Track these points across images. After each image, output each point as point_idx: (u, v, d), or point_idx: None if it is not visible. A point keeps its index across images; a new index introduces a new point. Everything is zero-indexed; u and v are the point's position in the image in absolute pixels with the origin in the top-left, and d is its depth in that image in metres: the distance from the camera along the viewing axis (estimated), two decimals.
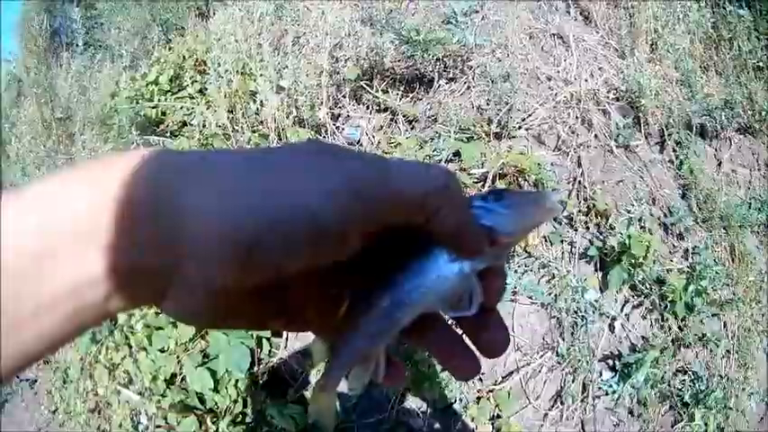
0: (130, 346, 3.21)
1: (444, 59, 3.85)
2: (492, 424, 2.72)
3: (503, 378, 2.85)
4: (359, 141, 3.68)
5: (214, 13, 8.02)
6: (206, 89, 4.33)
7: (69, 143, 5.52)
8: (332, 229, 0.38)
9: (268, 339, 3.03)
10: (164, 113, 4.57)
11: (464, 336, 0.50)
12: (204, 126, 4.02)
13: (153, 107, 4.56)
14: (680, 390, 2.82)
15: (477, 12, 4.18)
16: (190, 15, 9.52)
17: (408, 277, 0.46)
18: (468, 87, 3.77)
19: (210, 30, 6.27)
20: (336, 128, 3.78)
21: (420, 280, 0.45)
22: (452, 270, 0.45)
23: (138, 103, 4.58)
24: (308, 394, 2.89)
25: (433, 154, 3.34)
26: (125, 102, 4.64)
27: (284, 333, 2.99)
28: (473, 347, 0.50)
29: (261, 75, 3.81)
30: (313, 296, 0.48)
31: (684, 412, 2.79)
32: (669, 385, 2.83)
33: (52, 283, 0.36)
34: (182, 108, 4.49)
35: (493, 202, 0.46)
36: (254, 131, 3.74)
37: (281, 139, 3.59)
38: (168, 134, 4.43)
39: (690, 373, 2.87)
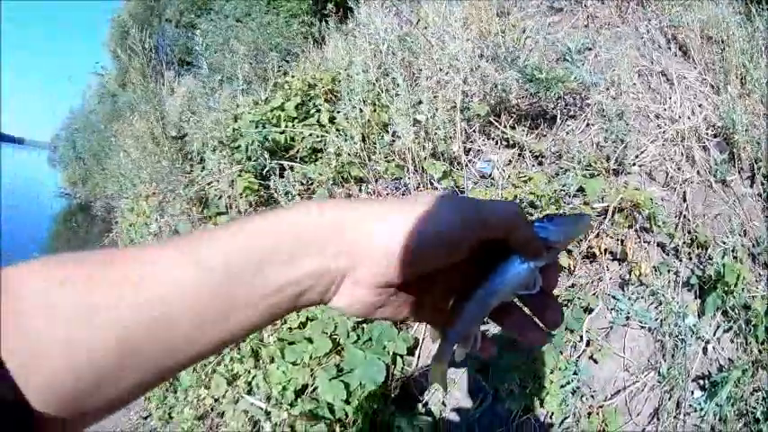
0: (257, 359, 3.43)
1: (565, 97, 4.00)
2: None
3: (611, 395, 3.02)
4: (490, 175, 3.80)
5: (328, 41, 8.18)
6: (335, 118, 4.49)
7: (184, 160, 5.69)
8: (453, 243, 0.59)
9: (402, 356, 3.17)
10: (292, 139, 4.70)
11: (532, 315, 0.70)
12: (338, 154, 4.12)
13: (281, 132, 4.67)
14: (754, 408, 2.91)
15: (589, 49, 4.33)
16: (307, 43, 9.70)
17: (495, 274, 0.65)
18: (588, 125, 3.92)
19: (328, 57, 6.36)
20: (469, 161, 3.88)
21: (503, 276, 0.65)
22: (523, 268, 0.65)
23: (264, 127, 4.68)
24: (435, 408, 3.08)
25: (560, 189, 3.46)
26: (250, 125, 4.74)
27: (416, 353, 3.26)
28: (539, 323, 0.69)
29: (395, 107, 3.92)
30: (432, 295, 0.67)
31: (755, 428, 2.88)
32: (746, 403, 2.94)
33: (265, 282, 0.52)
34: (311, 135, 4.59)
35: (547, 222, 0.67)
36: (388, 161, 3.88)
37: (417, 171, 3.74)
38: (298, 159, 4.55)
39: (763, 391, 2.96)
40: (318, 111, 4.86)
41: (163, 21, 18.22)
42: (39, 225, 20.03)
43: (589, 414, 2.95)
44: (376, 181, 3.98)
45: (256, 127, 4.72)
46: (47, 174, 37.55)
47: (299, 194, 4.16)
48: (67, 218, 21.09)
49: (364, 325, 3.22)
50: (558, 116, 3.97)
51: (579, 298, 3.21)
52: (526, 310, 0.70)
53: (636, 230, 3.30)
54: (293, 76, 5.55)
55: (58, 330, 0.43)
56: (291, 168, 4.40)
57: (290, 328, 3.37)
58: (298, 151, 4.68)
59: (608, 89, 3.97)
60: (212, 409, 3.76)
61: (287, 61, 8.35)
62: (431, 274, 0.61)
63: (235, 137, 4.81)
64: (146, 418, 4.61)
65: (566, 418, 2.95)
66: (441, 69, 4.18)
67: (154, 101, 6.32)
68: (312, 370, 3.15)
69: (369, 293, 0.59)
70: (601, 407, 2.97)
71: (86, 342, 0.44)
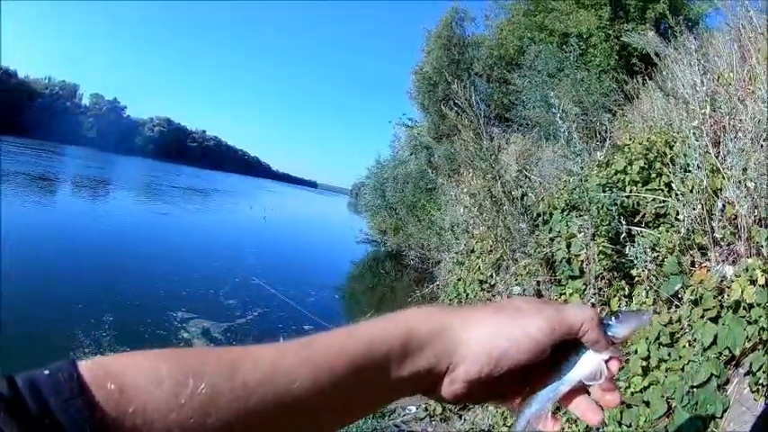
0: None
1: None
2: None
3: None
4: None
5: (641, 97, 8.06)
6: (672, 182, 4.47)
7: (529, 220, 5.78)
8: (541, 345, 0.72)
9: (714, 418, 3.27)
10: (638, 204, 4.82)
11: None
12: (678, 220, 4.24)
13: (627, 197, 4.82)
14: None
15: None
16: (620, 99, 9.79)
17: (569, 366, 0.78)
18: None
19: (646, 115, 6.43)
20: None
21: (576, 368, 0.78)
22: (593, 361, 0.77)
23: (611, 190, 4.84)
24: None
25: None
26: (597, 189, 4.93)
27: (724, 416, 3.29)
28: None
29: (729, 173, 3.96)
30: (515, 382, 0.78)
31: None
32: None
33: (385, 377, 0.66)
34: (653, 200, 4.71)
35: (614, 320, 0.80)
36: (723, 228, 3.91)
37: (749, 239, 3.75)
38: (644, 225, 4.69)
39: None
40: (660, 175, 4.98)
41: (472, 74, 18.14)
42: (341, 268, 20.79)
43: None
44: (714, 247, 3.97)
45: (603, 191, 4.93)
46: (349, 219, 38.85)
47: (650, 261, 4.19)
48: (373, 264, 21.60)
49: (695, 389, 3.35)
50: None
51: None
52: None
53: None
54: (631, 139, 5.58)
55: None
56: (641, 234, 4.62)
57: (633, 393, 3.64)
58: (644, 216, 4.81)
59: None
60: None
61: (608, 120, 8.34)
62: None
63: (584, 199, 4.94)
64: None
65: None
66: (749, 131, 4.10)
67: (489, 158, 6.30)
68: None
69: (462, 387, 0.71)
70: None
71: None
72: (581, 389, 0.80)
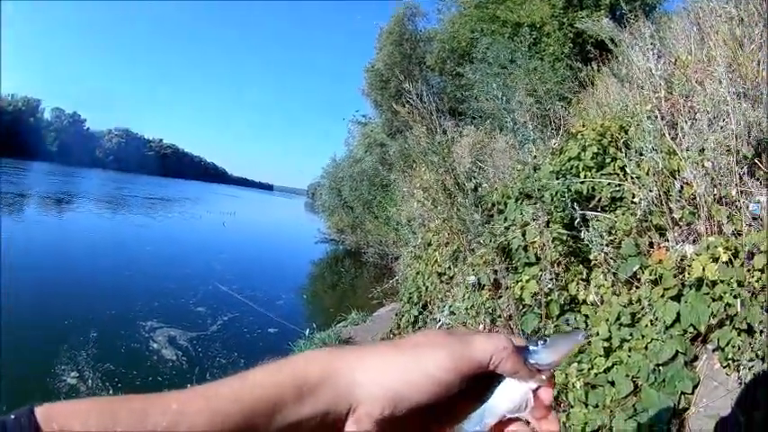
0: (558, 403, 3.72)
1: None
2: None
3: None
4: (759, 216, 3.73)
5: (596, 84, 8.04)
6: (626, 166, 4.50)
7: (483, 211, 5.75)
8: (444, 383, 0.70)
9: (685, 395, 3.36)
10: (592, 189, 4.79)
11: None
12: (634, 203, 4.26)
13: (581, 182, 4.80)
14: None
15: None
16: (575, 87, 9.87)
17: (490, 395, 0.75)
18: None
19: (602, 102, 6.40)
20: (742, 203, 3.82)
21: (497, 396, 0.75)
22: (514, 390, 0.74)
23: (564, 177, 4.85)
24: None
25: None
26: (550, 176, 4.94)
27: (696, 392, 3.38)
28: None
29: (685, 154, 4.01)
30: (440, 413, 0.76)
31: None
32: None
33: (282, 421, 0.65)
34: (609, 185, 4.70)
35: (540, 345, 0.76)
36: (681, 208, 3.94)
37: (709, 218, 3.81)
38: (599, 209, 4.68)
39: None
40: (614, 160, 4.98)
41: (424, 69, 18.40)
42: (301, 269, 21.11)
43: None
44: (673, 227, 4.02)
45: (557, 178, 4.96)
46: (306, 219, 39.08)
47: (606, 244, 4.25)
48: (333, 263, 21.91)
49: (662, 367, 3.42)
50: None
51: None
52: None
53: None
54: (584, 126, 5.55)
55: None
56: (596, 218, 4.62)
57: (596, 374, 3.67)
58: (599, 200, 4.78)
59: None
60: None
61: (563, 107, 8.40)
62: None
63: (536, 187, 4.98)
64: None
65: None
66: (708, 112, 4.19)
67: (442, 152, 6.35)
68: (611, 411, 3.45)
69: (370, 426, 0.70)
70: None
71: None
72: (515, 419, 0.76)
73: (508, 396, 0.74)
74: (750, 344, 3.19)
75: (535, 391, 0.75)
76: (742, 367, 3.18)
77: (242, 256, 23.06)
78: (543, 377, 0.75)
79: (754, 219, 3.77)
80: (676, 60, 5.37)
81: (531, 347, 0.76)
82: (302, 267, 22.06)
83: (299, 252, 27.04)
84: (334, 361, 0.72)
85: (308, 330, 9.55)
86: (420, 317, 6.96)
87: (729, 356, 3.24)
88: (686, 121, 4.25)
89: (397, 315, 8.28)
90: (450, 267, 6.43)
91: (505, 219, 5.52)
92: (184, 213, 42.94)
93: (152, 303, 12.22)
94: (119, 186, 70.71)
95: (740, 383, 3.20)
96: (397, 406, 0.69)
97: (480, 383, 0.74)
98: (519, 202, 5.43)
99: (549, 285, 4.56)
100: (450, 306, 5.60)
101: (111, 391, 7.27)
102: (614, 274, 4.26)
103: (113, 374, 8.11)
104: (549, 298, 4.54)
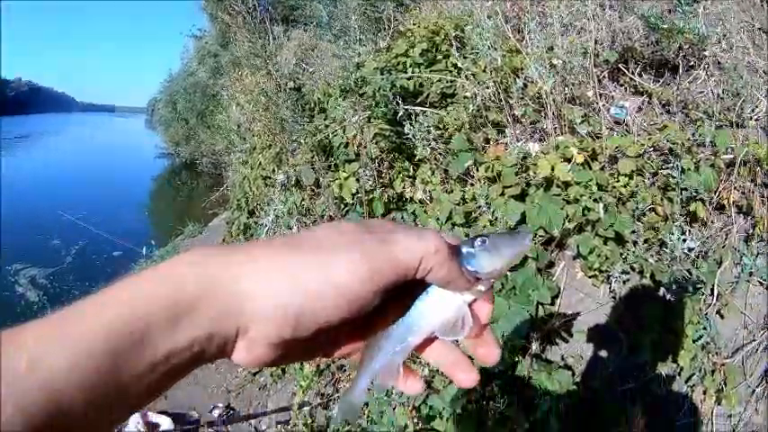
0: None
1: (683, 47, 4.00)
2: (717, 395, 2.90)
3: (732, 353, 3.02)
4: (623, 121, 3.77)
5: None
6: (459, 63, 4.35)
7: (303, 111, 5.70)
8: (357, 295, 0.53)
9: (543, 305, 3.16)
10: (420, 85, 4.61)
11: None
12: (470, 98, 4.08)
13: (408, 78, 4.60)
14: None
15: (696, 1, 4.26)
16: None
17: (414, 309, 0.60)
18: (708, 76, 3.92)
19: (443, 6, 6.24)
20: (602, 107, 3.85)
21: (423, 310, 0.60)
22: (445, 304, 0.59)
23: (390, 74, 4.60)
24: (572, 361, 3.12)
25: (692, 140, 3.49)
26: (374, 73, 4.69)
27: (557, 302, 3.32)
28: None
29: (528, 52, 3.90)
30: (348, 334, 0.62)
31: None
32: None
33: (154, 352, 0.47)
34: (440, 81, 4.52)
35: (478, 248, 0.59)
36: (525, 105, 3.82)
37: (555, 116, 3.75)
38: (428, 105, 4.49)
39: None
40: (446, 56, 4.78)
41: None
42: (142, 186, 21.71)
43: (713, 371, 2.93)
44: (514, 124, 3.94)
45: (381, 74, 4.68)
46: (146, 136, 39.39)
47: (434, 139, 4.07)
48: (170, 177, 22.35)
49: (509, 273, 3.10)
50: (680, 66, 4.01)
51: (713, 250, 3.19)
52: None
53: (759, 185, 3.25)
54: (415, 24, 5.50)
55: None
56: (424, 114, 4.36)
57: None
58: (428, 96, 4.59)
59: (719, 42, 3.98)
60: (333, 362, 3.83)
61: (400, 12, 8.11)
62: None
63: (359, 84, 4.75)
64: (255, 374, 4.70)
65: (692, 375, 2.95)
66: (562, 17, 4.14)
67: (264, 55, 6.41)
68: None
69: (267, 351, 0.53)
70: (723, 364, 2.95)
71: None
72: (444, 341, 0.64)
73: (438, 310, 0.60)
74: (622, 254, 3.15)
75: (470, 306, 0.61)
76: (614, 280, 3.15)
77: (85, 183, 23.03)
78: (481, 288, 0.60)
79: (618, 123, 3.83)
80: None
81: (465, 249, 0.60)
82: (144, 184, 22.29)
83: (140, 169, 27.09)
84: (212, 267, 0.53)
85: (144, 248, 9.19)
86: (249, 222, 6.79)
87: (596, 266, 3.19)
88: (531, 19, 4.14)
89: (227, 223, 8.16)
90: (274, 170, 6.14)
91: (326, 117, 5.38)
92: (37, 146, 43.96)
93: (13, 244, 12.27)
94: None
95: (613, 297, 3.20)
96: (297, 326, 0.53)
97: (404, 293, 0.59)
98: (341, 99, 5.14)
99: (371, 182, 4.43)
100: (275, 210, 5.27)
101: None
102: (445, 171, 4.14)
103: None
104: (372, 196, 4.40)
